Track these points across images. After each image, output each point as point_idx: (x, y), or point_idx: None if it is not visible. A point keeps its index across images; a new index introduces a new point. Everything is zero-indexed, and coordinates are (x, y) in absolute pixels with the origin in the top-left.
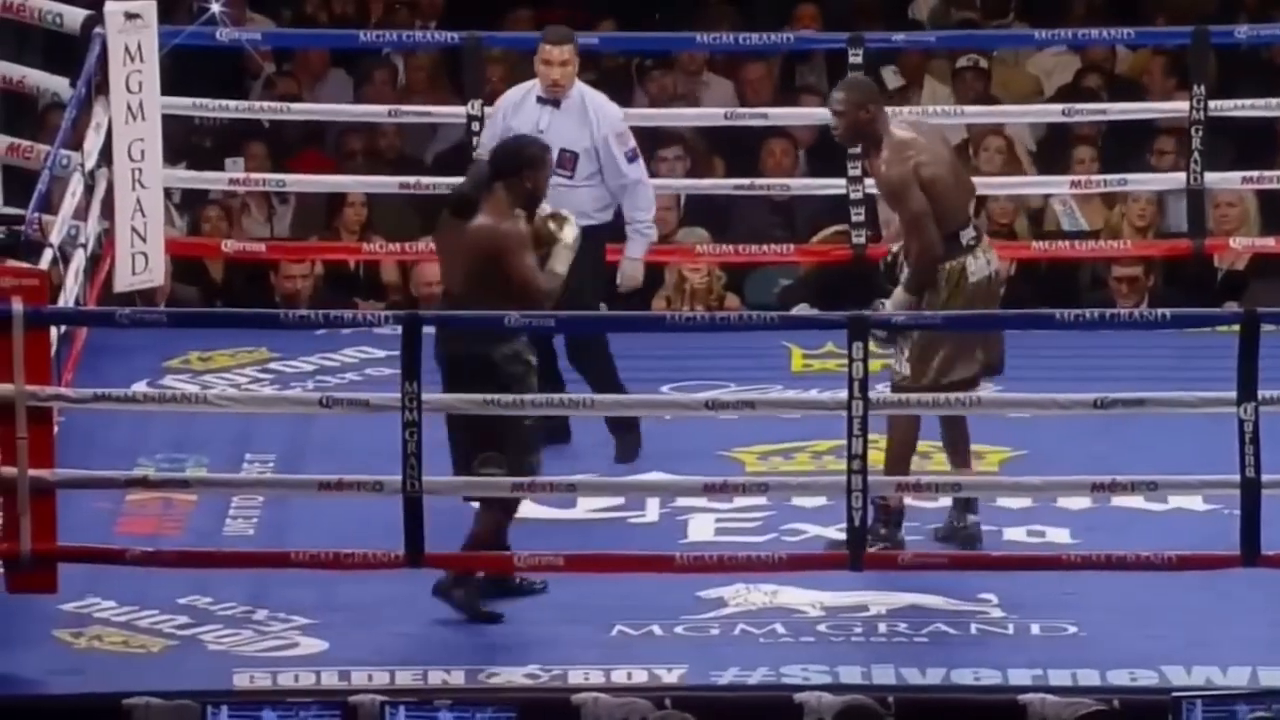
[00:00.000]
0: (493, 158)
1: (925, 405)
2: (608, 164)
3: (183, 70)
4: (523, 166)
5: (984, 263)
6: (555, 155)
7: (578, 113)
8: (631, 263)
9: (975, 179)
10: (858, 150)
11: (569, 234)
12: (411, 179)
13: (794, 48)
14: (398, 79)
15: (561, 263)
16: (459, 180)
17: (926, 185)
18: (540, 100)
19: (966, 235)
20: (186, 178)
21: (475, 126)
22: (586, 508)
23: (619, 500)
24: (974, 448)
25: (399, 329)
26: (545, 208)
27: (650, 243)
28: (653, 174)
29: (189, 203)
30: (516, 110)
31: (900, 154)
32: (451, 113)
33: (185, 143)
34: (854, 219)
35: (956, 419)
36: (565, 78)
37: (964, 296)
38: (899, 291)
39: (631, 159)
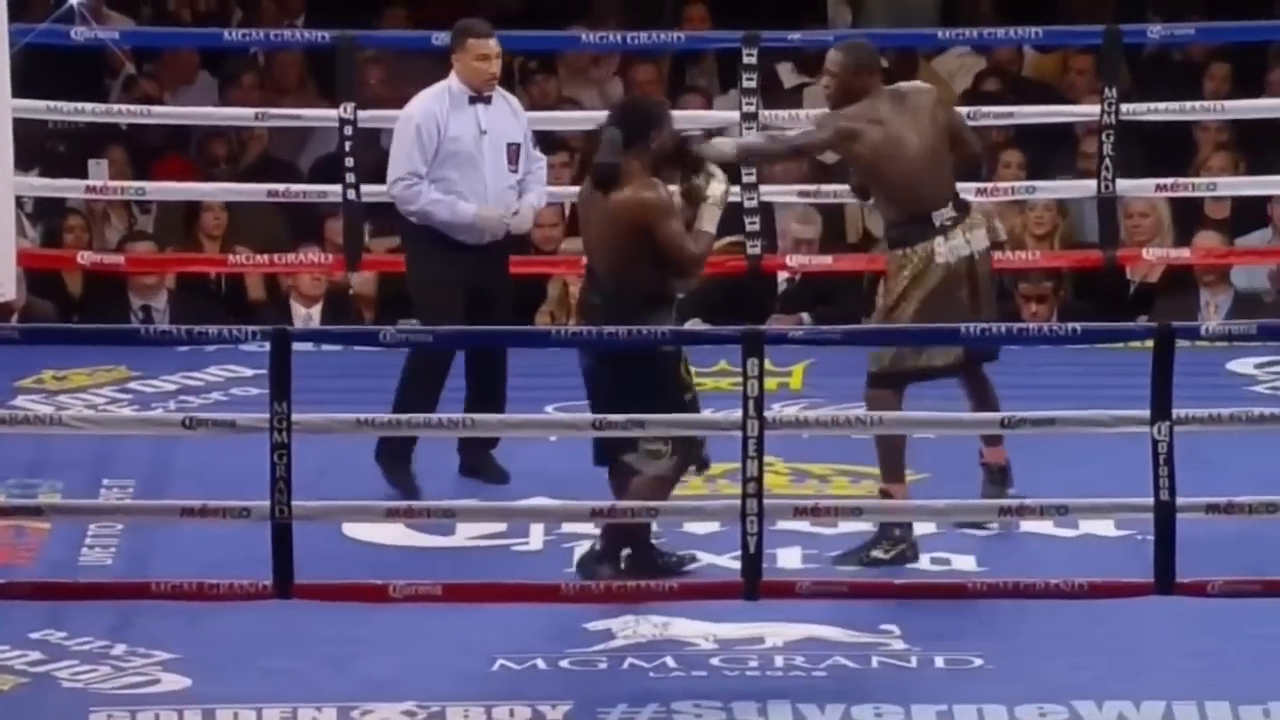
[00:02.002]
0: (621, 123)
1: (824, 424)
2: (526, 149)
3: (35, 71)
4: (649, 127)
5: (961, 243)
6: (505, 150)
7: (505, 106)
8: (530, 208)
9: None
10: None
11: (715, 190)
12: (280, 186)
13: (685, 48)
14: (266, 81)
15: (710, 221)
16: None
17: (860, 154)
18: (472, 100)
19: (941, 216)
20: (39, 185)
21: (348, 130)
22: (466, 534)
23: (501, 527)
24: (874, 470)
25: (266, 345)
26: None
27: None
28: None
29: (42, 212)
30: (453, 117)
31: (851, 113)
32: (323, 116)
33: (39, 148)
34: (749, 229)
35: (985, 397)
36: (499, 70)
37: (930, 281)
38: (735, 140)
39: (535, 143)
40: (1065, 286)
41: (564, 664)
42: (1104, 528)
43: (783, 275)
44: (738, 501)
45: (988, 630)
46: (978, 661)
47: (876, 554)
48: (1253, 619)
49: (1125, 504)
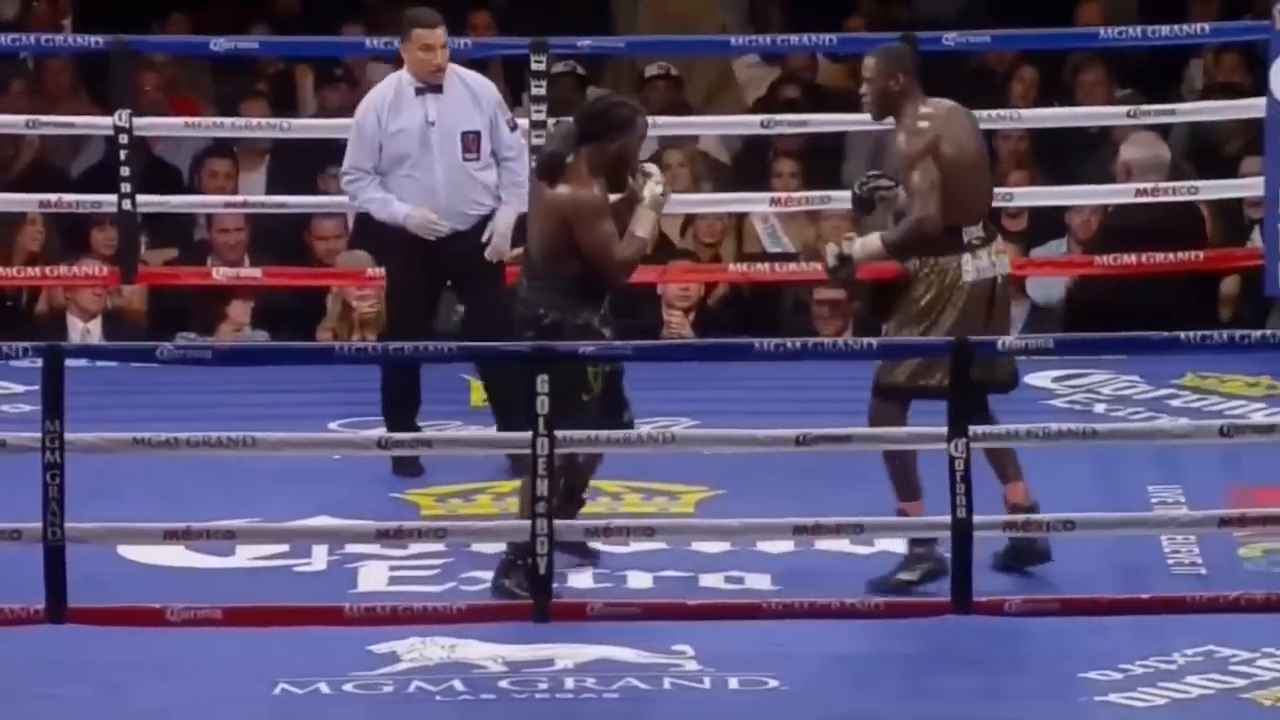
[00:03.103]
0: (580, 119)
1: (616, 443)
2: (496, 136)
3: None
4: (610, 129)
5: (987, 264)
6: (459, 140)
7: (462, 93)
8: (503, 235)
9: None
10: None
11: (650, 191)
12: (53, 196)
13: (473, 55)
14: (36, 87)
15: (643, 225)
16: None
17: (942, 165)
18: (419, 91)
19: (970, 233)
20: None
21: (123, 139)
22: (246, 555)
23: (283, 547)
24: (667, 487)
25: (39, 362)
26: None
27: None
28: (323, 192)
29: None
30: (395, 109)
31: (919, 126)
32: (96, 124)
33: None
34: None
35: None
36: (446, 61)
37: (959, 302)
38: (875, 238)
39: (512, 128)
40: (861, 297)
41: (348, 688)
42: (900, 546)
43: None
44: (528, 522)
45: (782, 651)
46: (772, 683)
47: (903, 577)
48: (1048, 638)
49: (921, 522)
